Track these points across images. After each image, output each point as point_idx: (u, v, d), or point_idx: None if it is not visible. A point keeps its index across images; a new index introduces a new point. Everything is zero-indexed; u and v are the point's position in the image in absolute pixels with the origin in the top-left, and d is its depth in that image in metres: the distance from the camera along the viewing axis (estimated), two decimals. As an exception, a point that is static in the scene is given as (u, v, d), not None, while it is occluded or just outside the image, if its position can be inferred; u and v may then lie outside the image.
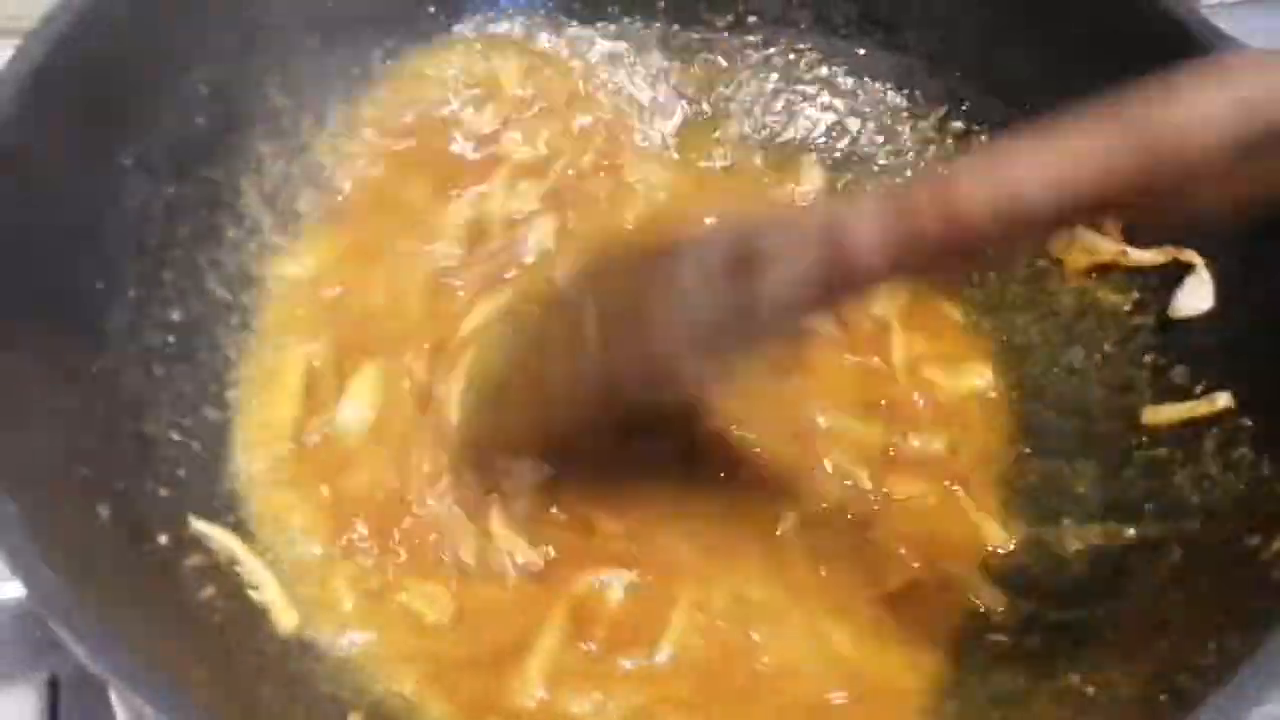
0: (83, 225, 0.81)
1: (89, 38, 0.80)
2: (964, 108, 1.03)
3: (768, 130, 1.08)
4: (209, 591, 0.76)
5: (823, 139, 1.07)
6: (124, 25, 0.83)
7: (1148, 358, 0.90)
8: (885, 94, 1.06)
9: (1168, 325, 0.89)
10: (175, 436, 0.83)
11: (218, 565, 0.78)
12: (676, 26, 1.07)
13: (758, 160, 1.06)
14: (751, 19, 1.06)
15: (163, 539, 0.76)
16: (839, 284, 0.69)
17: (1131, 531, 0.83)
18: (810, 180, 1.05)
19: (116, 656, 0.57)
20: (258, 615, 0.78)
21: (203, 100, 0.90)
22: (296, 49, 0.97)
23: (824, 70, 1.07)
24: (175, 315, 0.87)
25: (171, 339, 0.86)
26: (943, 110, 1.04)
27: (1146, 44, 0.89)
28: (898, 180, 1.04)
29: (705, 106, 1.08)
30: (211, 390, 0.88)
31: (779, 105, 1.08)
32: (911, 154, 1.05)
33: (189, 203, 0.89)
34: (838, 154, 1.07)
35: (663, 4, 1.06)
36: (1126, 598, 0.79)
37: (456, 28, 1.05)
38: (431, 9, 1.04)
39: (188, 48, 0.89)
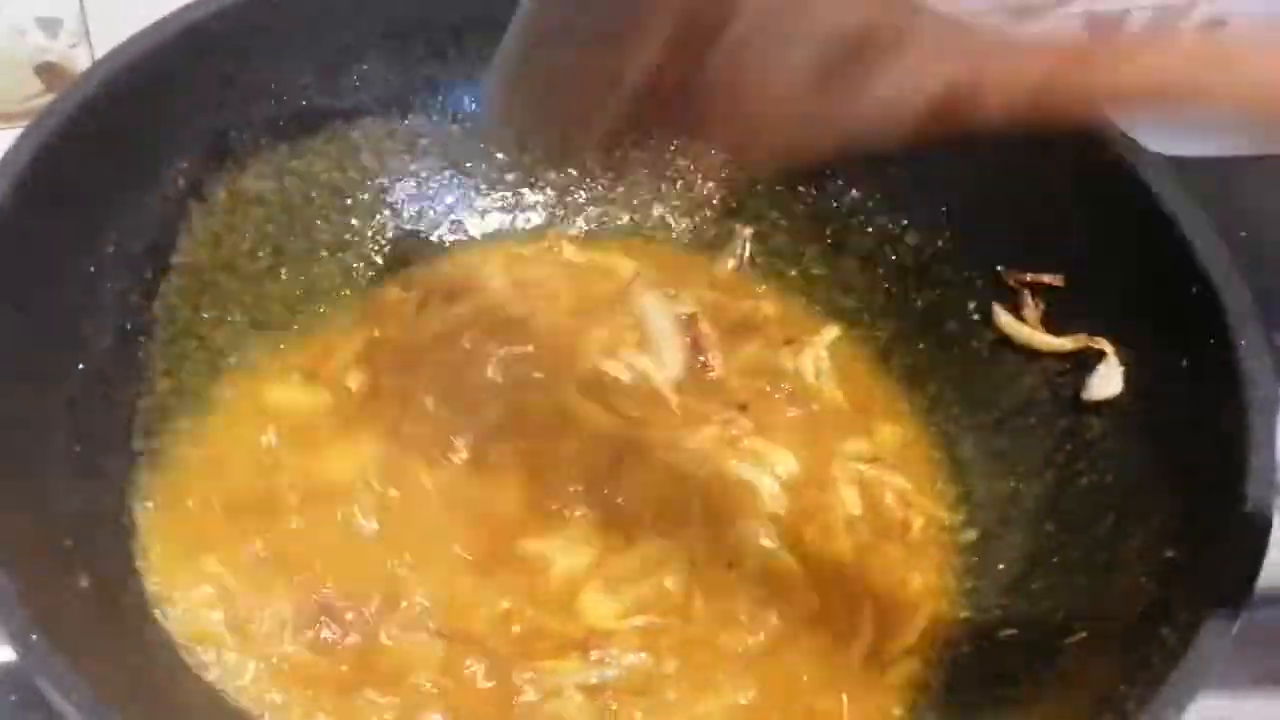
0: (66, 309, 0.87)
1: (74, 138, 0.86)
2: (896, 204, 1.09)
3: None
4: (180, 661, 0.81)
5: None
6: (107, 125, 0.89)
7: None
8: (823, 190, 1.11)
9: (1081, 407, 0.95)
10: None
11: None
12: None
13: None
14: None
15: (136, 609, 0.81)
16: (950, 115, 0.63)
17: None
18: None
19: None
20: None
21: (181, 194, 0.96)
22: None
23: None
24: (148, 401, 0.92)
25: (142, 423, 0.91)
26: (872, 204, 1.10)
27: (1056, 139, 0.95)
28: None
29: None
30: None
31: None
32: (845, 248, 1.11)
33: (165, 289, 0.95)
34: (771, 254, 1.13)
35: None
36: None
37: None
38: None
39: (166, 144, 0.95)
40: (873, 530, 0.96)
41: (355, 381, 0.98)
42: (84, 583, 0.76)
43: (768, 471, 0.97)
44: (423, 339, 1.02)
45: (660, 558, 0.91)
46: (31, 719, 0.87)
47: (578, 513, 0.93)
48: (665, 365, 1.02)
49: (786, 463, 0.98)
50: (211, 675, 0.82)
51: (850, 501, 0.97)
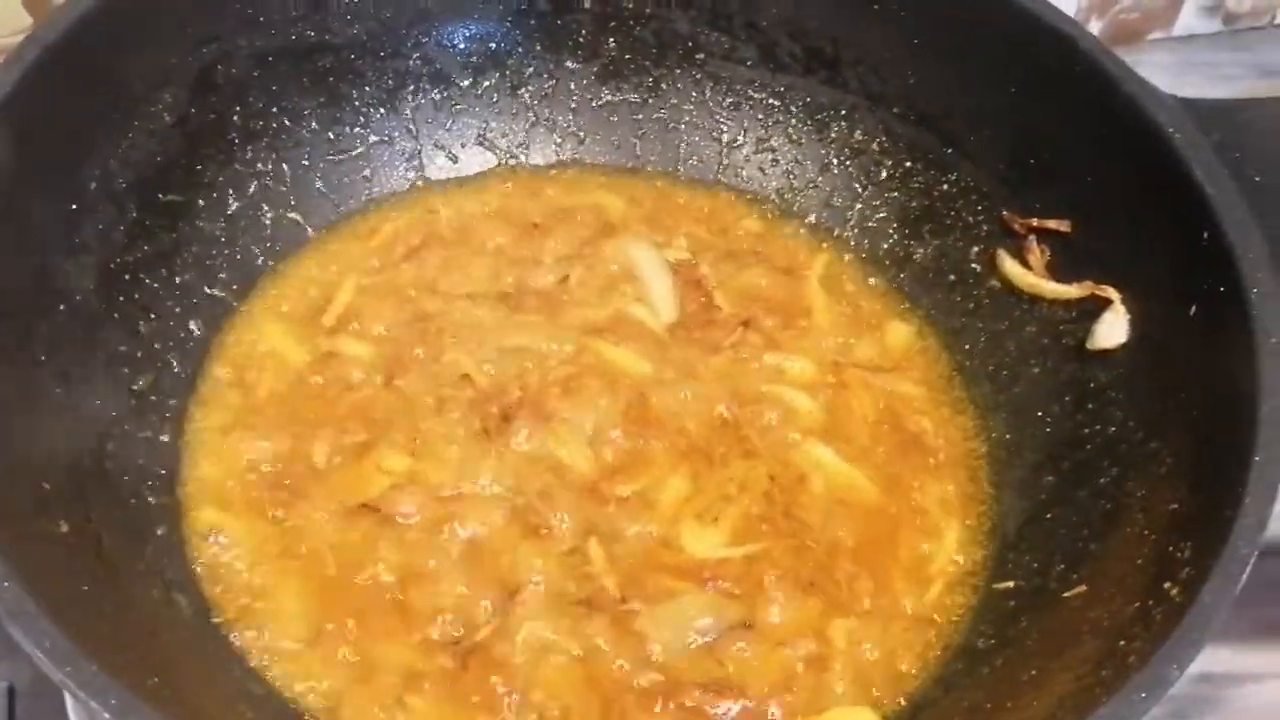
0: (47, 247, 0.84)
1: (54, 71, 0.83)
2: (900, 144, 1.07)
3: (705, 164, 1.12)
4: (160, 601, 0.80)
5: (761, 172, 1.12)
6: (89, 57, 0.86)
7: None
8: (825, 129, 1.10)
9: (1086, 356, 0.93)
10: (131, 454, 0.87)
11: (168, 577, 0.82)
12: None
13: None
14: (699, 56, 1.10)
15: (118, 553, 0.79)
16: None
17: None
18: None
19: (76, 664, 0.60)
20: (207, 626, 0.82)
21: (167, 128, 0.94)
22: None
23: (768, 105, 1.11)
24: (133, 337, 0.90)
25: (128, 362, 0.90)
26: (879, 145, 1.08)
27: (1064, 78, 0.94)
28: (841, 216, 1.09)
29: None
30: (168, 410, 0.91)
31: (721, 139, 1.12)
32: (852, 187, 1.09)
33: (150, 227, 0.93)
34: (777, 188, 1.11)
35: (613, 41, 1.10)
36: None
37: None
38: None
39: (151, 77, 0.93)
40: (893, 438, 0.97)
41: (354, 348, 0.97)
42: (63, 528, 0.74)
43: (793, 385, 0.98)
44: (410, 290, 1.01)
45: (740, 483, 0.92)
46: (13, 666, 0.87)
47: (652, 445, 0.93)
48: (660, 312, 1.01)
49: (804, 368, 0.99)
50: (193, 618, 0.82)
51: (867, 409, 0.98)
